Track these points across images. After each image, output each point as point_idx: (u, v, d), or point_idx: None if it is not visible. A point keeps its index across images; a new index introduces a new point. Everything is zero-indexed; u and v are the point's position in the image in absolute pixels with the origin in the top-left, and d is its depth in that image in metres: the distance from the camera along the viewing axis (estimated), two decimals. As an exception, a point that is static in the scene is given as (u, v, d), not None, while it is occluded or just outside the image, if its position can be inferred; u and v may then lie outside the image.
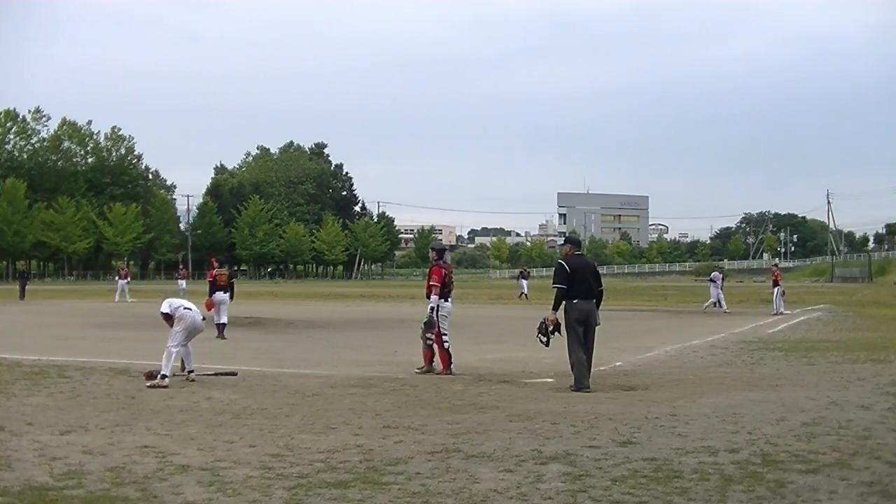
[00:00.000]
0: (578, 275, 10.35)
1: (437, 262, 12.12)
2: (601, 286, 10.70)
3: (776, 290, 29.31)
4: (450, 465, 6.09)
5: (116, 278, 41.05)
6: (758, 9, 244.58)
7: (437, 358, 11.76)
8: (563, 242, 11.49)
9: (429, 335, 11.74)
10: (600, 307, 10.64)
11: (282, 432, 7.34)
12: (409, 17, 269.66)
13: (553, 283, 10.55)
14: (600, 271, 11.23)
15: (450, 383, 10.75)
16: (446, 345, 11.74)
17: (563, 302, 10.36)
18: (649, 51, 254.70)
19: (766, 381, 11.02)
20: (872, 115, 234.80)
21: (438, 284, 11.82)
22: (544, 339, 10.60)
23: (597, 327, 10.51)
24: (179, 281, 44.15)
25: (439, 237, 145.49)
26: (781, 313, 27.98)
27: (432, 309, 11.74)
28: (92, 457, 6.32)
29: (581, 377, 10.09)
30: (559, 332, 10.47)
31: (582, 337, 10.26)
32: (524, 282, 45.11)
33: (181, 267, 55.28)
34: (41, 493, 5.30)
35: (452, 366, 11.68)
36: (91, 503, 5.14)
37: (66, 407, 8.63)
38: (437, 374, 11.52)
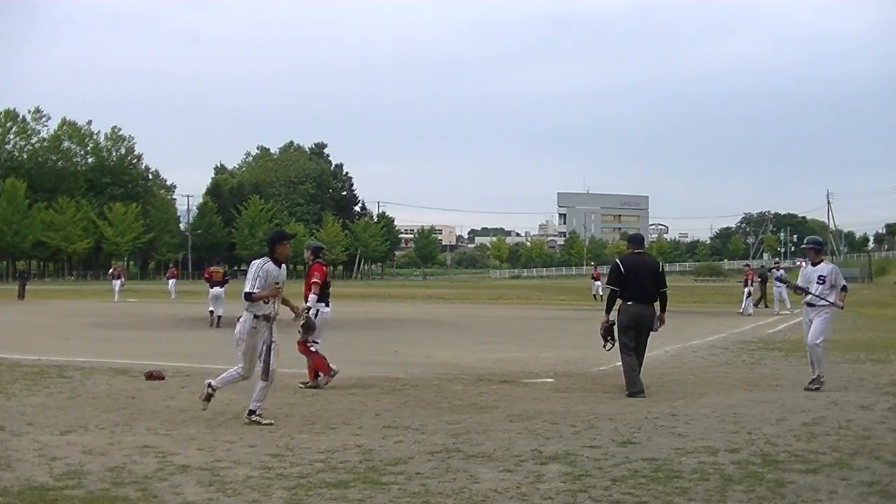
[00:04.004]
0: (633, 275, 9.75)
1: (315, 261, 10.86)
2: (664, 287, 9.98)
3: (746, 290, 29.45)
4: (450, 465, 6.09)
5: (111, 278, 40.79)
6: (758, 9, 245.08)
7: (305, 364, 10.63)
8: (627, 241, 10.59)
9: (313, 340, 10.56)
10: (665, 309, 10.01)
11: (282, 432, 7.34)
12: (410, 17, 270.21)
13: (606, 283, 9.95)
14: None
15: (449, 383, 10.74)
16: (313, 347, 10.54)
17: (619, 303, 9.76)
18: (649, 51, 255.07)
19: (766, 381, 11.03)
20: (872, 115, 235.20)
21: (320, 283, 10.59)
22: (608, 346, 10.07)
23: (652, 332, 9.98)
24: (170, 281, 41.91)
25: (439, 237, 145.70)
26: (749, 314, 27.96)
27: (309, 309, 10.39)
28: (92, 457, 6.31)
29: (631, 383, 9.67)
30: (610, 339, 10.00)
31: (633, 341, 9.80)
32: (597, 283, 44.21)
33: (171, 267, 53.35)
34: (41, 493, 5.29)
35: (333, 365, 10.47)
36: (91, 503, 5.13)
37: (66, 407, 8.63)
38: (314, 384, 10.33)
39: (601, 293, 41.04)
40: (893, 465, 6.12)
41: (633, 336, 9.83)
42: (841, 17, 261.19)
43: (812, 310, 10.34)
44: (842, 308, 10.50)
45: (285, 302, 8.46)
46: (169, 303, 36.26)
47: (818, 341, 10.20)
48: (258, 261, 8.20)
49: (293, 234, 8.61)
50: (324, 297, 10.72)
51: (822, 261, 10.55)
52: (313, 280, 10.59)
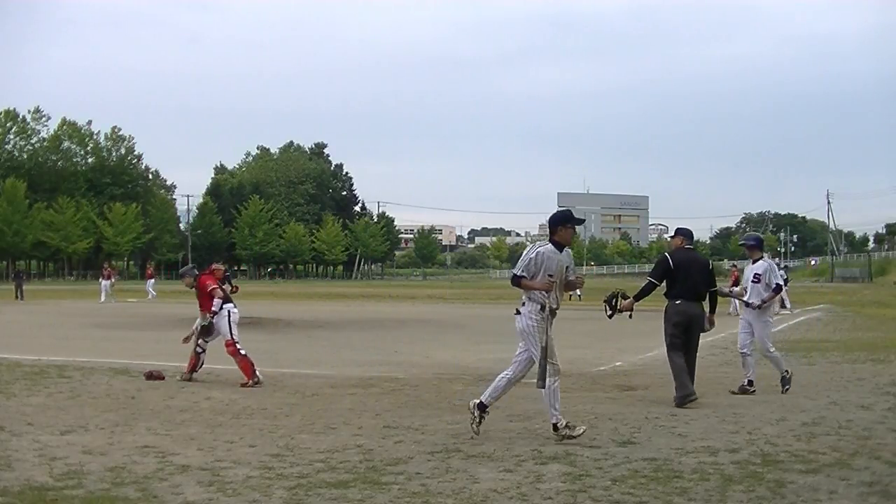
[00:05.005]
0: (683, 271, 9.17)
1: (198, 276, 11.24)
2: (714, 286, 9.49)
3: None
4: (450, 465, 6.09)
5: (100, 279, 40.57)
6: (758, 9, 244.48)
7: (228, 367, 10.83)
8: (672, 234, 10.03)
9: (202, 342, 10.91)
10: (715, 311, 9.47)
11: (282, 432, 7.34)
12: (409, 17, 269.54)
13: (648, 276, 9.55)
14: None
15: (449, 383, 10.74)
16: (242, 352, 10.64)
17: (650, 298, 9.28)
18: (649, 51, 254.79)
19: (766, 381, 11.01)
20: (872, 115, 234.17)
21: (217, 287, 10.92)
22: (608, 312, 9.25)
23: (702, 332, 9.40)
24: (149, 282, 42.10)
25: (439, 237, 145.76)
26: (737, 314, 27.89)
27: (214, 314, 10.77)
28: (92, 457, 6.31)
29: (682, 385, 8.90)
30: (629, 316, 9.30)
31: (680, 342, 9.20)
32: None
33: (148, 267, 53.13)
34: (41, 493, 5.29)
35: (258, 371, 10.53)
36: (91, 503, 5.13)
37: (66, 407, 8.63)
38: (243, 385, 10.27)
39: (580, 293, 41.23)
40: (893, 465, 6.12)
41: (681, 334, 9.20)
42: (841, 17, 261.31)
43: (749, 311, 10.09)
44: (753, 307, 9.96)
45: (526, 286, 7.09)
46: (151, 302, 36.33)
47: (769, 350, 10.02)
48: (538, 243, 7.21)
49: (581, 220, 7.21)
50: (227, 300, 11.08)
51: (761, 258, 10.20)
52: (211, 288, 10.91)
